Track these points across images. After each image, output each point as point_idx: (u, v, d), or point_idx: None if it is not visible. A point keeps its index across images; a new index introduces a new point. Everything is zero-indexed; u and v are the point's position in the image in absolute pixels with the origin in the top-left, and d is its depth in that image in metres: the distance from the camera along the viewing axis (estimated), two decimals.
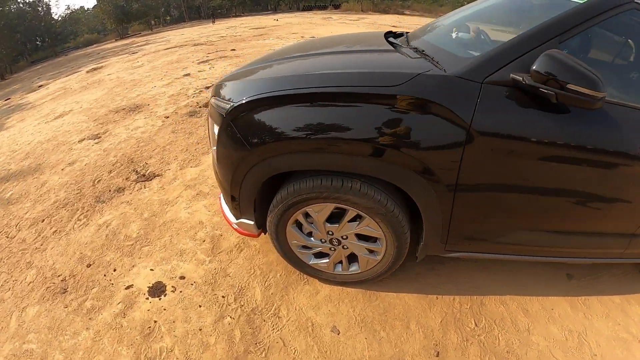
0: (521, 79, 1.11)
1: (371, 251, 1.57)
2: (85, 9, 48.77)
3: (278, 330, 1.58)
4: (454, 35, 1.71)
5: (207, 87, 5.26)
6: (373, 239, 1.53)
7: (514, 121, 1.17)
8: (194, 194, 2.58)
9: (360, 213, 1.41)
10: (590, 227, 1.46)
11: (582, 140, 1.20)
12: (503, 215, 1.40)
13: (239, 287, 1.79)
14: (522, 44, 1.19)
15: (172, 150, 3.32)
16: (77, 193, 2.81)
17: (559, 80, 1.05)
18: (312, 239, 1.58)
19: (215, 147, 1.51)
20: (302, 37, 10.06)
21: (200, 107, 4.42)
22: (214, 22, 23.13)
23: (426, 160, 1.21)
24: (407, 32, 2.10)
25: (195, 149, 3.28)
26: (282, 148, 1.29)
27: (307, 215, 1.49)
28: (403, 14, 23.63)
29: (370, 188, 1.33)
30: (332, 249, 1.59)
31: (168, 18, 41.39)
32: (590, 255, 1.57)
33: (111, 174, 3.02)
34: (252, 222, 1.59)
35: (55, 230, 2.40)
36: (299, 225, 1.56)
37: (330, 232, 1.51)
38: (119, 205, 2.56)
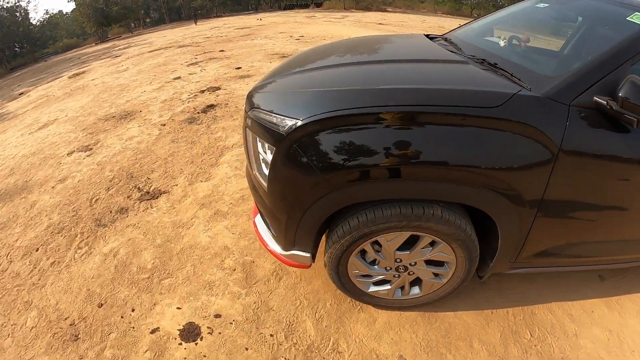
0: (605, 103, 1.11)
1: (436, 274, 1.50)
2: (64, 13, 47.52)
3: None
4: (502, 43, 1.68)
5: (202, 91, 4.93)
6: (441, 263, 1.47)
7: (597, 143, 1.19)
8: (211, 214, 2.36)
9: (436, 239, 1.34)
10: None
11: None
12: (576, 231, 1.40)
13: (288, 322, 1.64)
14: (601, 67, 1.18)
15: (175, 162, 3.03)
16: (73, 215, 2.47)
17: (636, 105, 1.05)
18: (375, 267, 1.48)
19: (264, 169, 1.35)
20: (290, 36, 9.95)
21: (198, 112, 4.11)
22: (196, 23, 23.32)
23: (515, 183, 1.18)
24: (443, 36, 2.04)
25: (202, 161, 3.03)
26: (363, 175, 1.17)
27: (374, 244, 1.39)
28: (385, 10, 23.93)
29: (450, 213, 1.26)
30: (397, 275, 1.50)
31: (148, 20, 41.46)
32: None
33: (110, 192, 2.70)
34: (307, 255, 1.45)
35: (54, 262, 2.09)
36: (361, 254, 1.45)
37: (398, 260, 1.42)
38: (124, 230, 2.28)
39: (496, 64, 1.42)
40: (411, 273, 1.49)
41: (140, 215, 2.41)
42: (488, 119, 1.13)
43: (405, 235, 1.33)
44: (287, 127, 1.21)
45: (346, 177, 1.17)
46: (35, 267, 2.06)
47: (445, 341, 1.57)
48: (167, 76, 6.16)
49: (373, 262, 1.47)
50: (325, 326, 1.62)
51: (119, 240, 2.20)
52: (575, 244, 1.45)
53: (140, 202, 2.55)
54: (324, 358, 1.50)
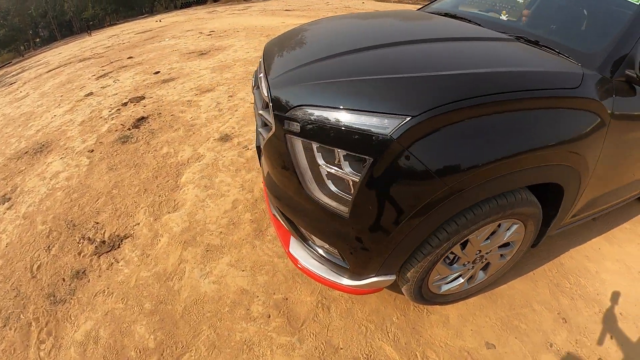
0: (636, 76, 1.23)
1: (501, 255, 1.48)
2: None
3: None
4: (504, 17, 1.69)
5: (124, 104, 3.90)
6: (507, 243, 1.44)
7: (632, 108, 1.33)
8: (202, 253, 1.87)
9: (515, 222, 1.29)
10: None
11: None
12: (604, 185, 1.52)
13: (365, 356, 1.41)
14: (626, 43, 1.28)
15: (124, 195, 2.31)
16: (16, 296, 1.68)
17: None
18: (455, 265, 1.37)
19: (333, 189, 1.07)
20: (200, 32, 8.86)
21: (129, 129, 3.22)
22: (90, 34, 21.17)
23: (583, 151, 1.22)
24: (438, 10, 1.95)
25: (158, 187, 2.38)
26: (488, 172, 1.01)
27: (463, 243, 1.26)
28: None
29: (529, 194, 1.23)
30: (472, 267, 1.42)
31: (38, 40, 39.07)
32: None
33: (52, 252, 1.91)
34: (392, 277, 1.25)
35: None
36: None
37: (478, 252, 1.34)
38: (93, 302, 1.63)
39: (538, 41, 1.41)
40: (484, 261, 1.43)
41: (105, 276, 1.76)
42: (573, 99, 1.14)
43: (494, 226, 1.24)
44: (393, 128, 0.94)
45: (471, 177, 0.99)
46: None
47: (513, 314, 1.59)
48: (76, 94, 4.86)
49: (452, 262, 1.36)
50: (405, 343, 1.45)
51: (93, 318, 1.56)
52: (598, 197, 1.60)
53: (99, 257, 1.86)
54: None
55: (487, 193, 1.07)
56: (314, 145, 1.05)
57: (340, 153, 1.01)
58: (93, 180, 2.53)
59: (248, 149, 2.80)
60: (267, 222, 2.04)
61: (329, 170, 1.06)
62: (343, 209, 1.06)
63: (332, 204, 1.08)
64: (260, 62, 1.74)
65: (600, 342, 1.51)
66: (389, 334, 1.49)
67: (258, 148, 1.54)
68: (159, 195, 2.30)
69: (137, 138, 3.07)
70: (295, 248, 1.40)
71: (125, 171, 2.58)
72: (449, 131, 0.96)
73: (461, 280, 1.46)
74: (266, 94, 1.24)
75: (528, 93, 1.05)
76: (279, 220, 1.46)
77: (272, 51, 1.60)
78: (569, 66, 1.24)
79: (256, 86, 1.62)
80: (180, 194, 2.30)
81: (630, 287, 1.74)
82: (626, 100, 1.27)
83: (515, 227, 1.32)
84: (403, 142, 0.94)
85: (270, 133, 1.19)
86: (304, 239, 1.32)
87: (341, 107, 1.02)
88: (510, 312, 1.59)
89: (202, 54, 6.10)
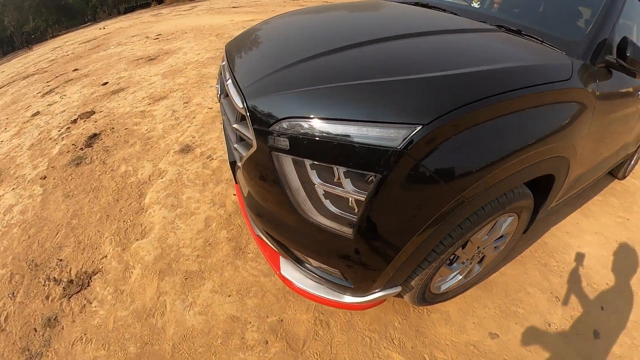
0: (615, 62, 1.27)
1: (496, 247, 1.47)
2: None
3: None
4: (476, 4, 1.63)
5: (74, 121, 3.47)
6: (502, 236, 1.43)
7: (611, 91, 1.38)
8: (181, 281, 1.70)
9: (511, 215, 1.27)
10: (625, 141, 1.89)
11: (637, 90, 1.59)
12: (586, 164, 1.55)
13: None
14: (604, 29, 1.30)
15: (85, 225, 2.04)
16: None
17: (638, 62, 1.23)
18: (454, 265, 1.33)
19: (332, 209, 0.96)
20: (146, 37, 8.14)
21: (81, 148, 2.86)
22: (31, 48, 19.88)
23: (574, 139, 1.22)
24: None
25: (121, 211, 2.13)
26: (490, 178, 0.95)
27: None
28: None
29: (525, 188, 1.21)
30: (470, 263, 1.39)
31: None
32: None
33: (17, 299, 1.65)
34: (398, 289, 1.18)
35: None
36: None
37: (477, 248, 1.31)
38: (72, 351, 1.43)
39: (520, 30, 1.37)
40: (481, 255, 1.41)
41: (80, 320, 1.54)
42: (566, 91, 1.12)
43: (493, 222, 1.21)
44: (403, 140, 0.83)
45: (482, 182, 0.93)
46: None
47: (510, 300, 1.61)
48: (22, 115, 4.27)
49: (451, 262, 1.32)
50: (412, 347, 1.41)
51: None
52: (580, 176, 1.63)
53: (69, 299, 1.62)
54: None
55: (494, 195, 1.03)
56: (307, 163, 0.93)
57: (340, 170, 0.90)
58: (50, 211, 2.23)
59: (212, 159, 2.60)
60: (246, 238, 1.91)
61: (327, 189, 0.94)
62: (346, 230, 0.96)
63: (333, 225, 0.97)
64: (222, 66, 1.55)
65: (593, 314, 1.57)
66: (394, 341, 1.44)
67: (232, 164, 1.39)
68: (124, 221, 2.06)
69: (91, 158, 2.75)
70: (288, 269, 1.28)
71: (83, 197, 2.29)
72: (460, 138, 0.88)
73: (459, 277, 1.44)
74: (241, 105, 1.08)
75: (530, 90, 1.01)
76: (264, 242, 1.34)
77: (237, 53, 1.43)
78: (557, 57, 1.23)
79: (223, 94, 1.45)
80: (146, 217, 2.09)
81: (612, 258, 1.83)
82: (605, 84, 1.30)
83: (510, 219, 1.31)
84: (415, 155, 0.84)
85: (251, 151, 1.04)
86: (298, 262, 1.21)
87: (338, 118, 0.90)
88: (507, 299, 1.61)
89: (151, 59, 5.66)
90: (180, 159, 2.63)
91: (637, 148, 2.29)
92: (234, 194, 2.21)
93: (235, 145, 1.21)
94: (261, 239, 1.33)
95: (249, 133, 1.06)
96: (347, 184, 0.90)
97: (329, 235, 0.98)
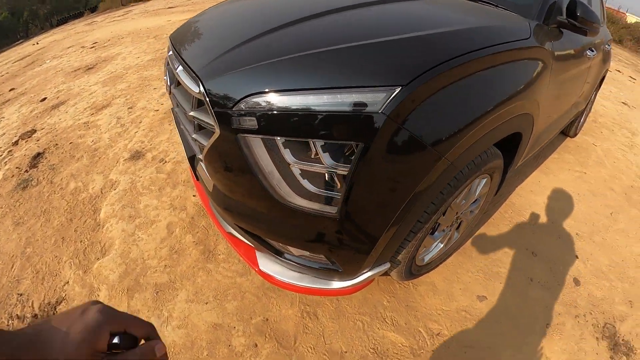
0: (567, 22, 1.33)
1: (471, 211, 1.47)
2: None
3: (447, 346, 1.32)
4: None
5: (15, 142, 3.03)
6: (476, 199, 1.44)
7: (562, 45, 1.44)
8: (152, 296, 1.54)
9: (484, 176, 1.27)
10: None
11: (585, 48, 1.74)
12: (546, 121, 1.60)
13: (372, 349, 1.31)
14: None
15: (40, 252, 1.78)
16: None
17: (587, 20, 1.30)
18: (436, 233, 1.31)
19: (310, 187, 0.88)
20: (82, 47, 7.43)
21: (26, 170, 2.50)
22: None
23: (537, 96, 1.25)
24: None
25: (76, 231, 1.89)
26: (470, 137, 0.93)
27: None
28: None
29: (495, 148, 1.21)
30: (449, 230, 1.39)
31: None
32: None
33: None
34: (387, 266, 1.14)
35: None
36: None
37: (456, 214, 1.29)
38: None
39: None
40: (459, 221, 1.40)
41: None
42: (528, 49, 1.15)
43: (469, 186, 1.20)
44: (383, 103, 0.77)
45: (462, 143, 0.91)
46: None
47: (490, 261, 1.65)
48: None
49: (434, 231, 1.30)
50: (405, 324, 1.39)
51: None
52: (541, 134, 1.69)
53: None
54: (434, 349, 1.31)
55: (472, 156, 1.01)
56: (279, 142, 0.84)
57: (316, 144, 0.82)
58: (1, 243, 1.94)
59: (165, 162, 2.44)
60: (215, 239, 1.78)
61: (303, 168, 0.85)
62: (329, 210, 0.88)
63: (314, 206, 0.89)
64: (169, 56, 1.40)
65: (569, 263, 1.64)
66: (387, 320, 1.40)
67: (191, 159, 1.26)
68: (81, 241, 1.84)
69: (37, 179, 2.43)
70: (267, 264, 1.19)
71: (35, 222, 2.02)
72: (438, 97, 0.84)
73: (441, 245, 1.43)
74: (197, 90, 0.95)
75: (497, 47, 1.02)
76: (237, 238, 1.23)
77: (183, 41, 1.29)
78: (515, 18, 1.27)
79: (174, 84, 1.31)
80: (104, 233, 1.88)
81: (577, 209, 1.93)
82: (558, 43, 1.37)
83: (483, 181, 1.31)
84: (396, 118, 0.79)
85: (214, 138, 0.93)
86: (277, 253, 1.12)
87: (310, 87, 0.82)
88: (487, 261, 1.64)
89: (89, 68, 5.23)
90: (131, 167, 2.43)
91: (586, 105, 2.44)
92: (194, 195, 2.07)
93: (194, 136, 1.08)
94: (232, 235, 1.22)
95: (209, 118, 0.94)
96: (326, 158, 0.83)
97: (311, 218, 0.90)
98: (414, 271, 1.36)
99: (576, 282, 1.60)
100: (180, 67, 1.13)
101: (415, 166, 0.86)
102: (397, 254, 1.13)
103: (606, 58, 2.44)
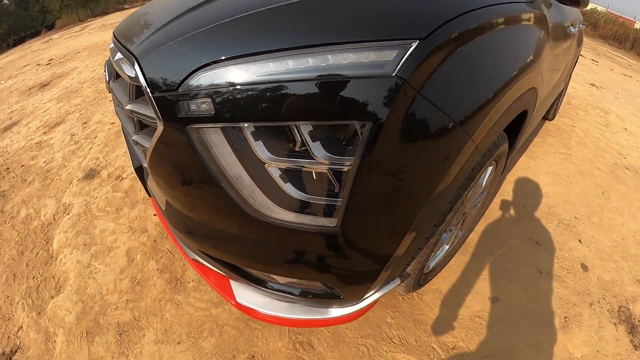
0: None
1: (475, 205, 1.31)
2: None
3: (472, 355, 1.16)
4: None
5: None
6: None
7: (553, 16, 1.32)
8: (115, 338, 1.24)
9: (491, 164, 1.11)
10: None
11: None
12: (550, 88, 1.50)
13: None
14: None
15: None
16: None
17: None
18: (445, 235, 1.14)
19: (293, 193, 0.64)
20: (38, 64, 6.88)
21: None
22: None
23: (542, 69, 1.12)
24: None
25: (29, 265, 1.58)
26: (495, 113, 0.74)
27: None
28: (124, 9, 20.00)
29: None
30: (456, 228, 1.22)
31: None
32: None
33: None
34: (397, 282, 0.94)
35: None
36: None
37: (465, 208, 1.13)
38: None
39: None
40: (465, 216, 1.23)
41: None
42: (532, 13, 1.03)
43: (479, 176, 1.02)
44: (397, 63, 0.55)
45: (487, 122, 0.72)
46: None
47: (495, 257, 1.51)
48: None
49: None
50: (415, 341, 1.20)
51: None
52: (535, 113, 1.56)
53: None
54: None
55: (492, 138, 0.81)
56: (247, 131, 0.59)
57: (302, 130, 0.57)
58: None
59: (122, 178, 2.15)
60: (181, 264, 1.52)
61: (284, 166, 0.61)
62: (326, 223, 0.64)
63: (303, 220, 0.65)
64: (111, 49, 1.14)
65: (574, 249, 1.53)
66: (394, 340, 1.21)
67: (139, 170, 1.00)
68: (33, 277, 1.52)
69: None
70: (245, 295, 0.94)
71: None
72: (460, 60, 0.63)
73: (446, 247, 1.26)
74: (133, 73, 0.70)
75: (512, 6, 0.87)
76: (204, 266, 0.99)
77: (123, 31, 1.02)
78: None
79: (112, 78, 1.04)
80: (57, 266, 1.56)
81: (570, 192, 1.84)
82: (551, 11, 1.26)
83: (490, 169, 1.15)
84: (415, 84, 0.56)
85: (157, 134, 0.67)
86: (258, 283, 0.88)
87: (287, 47, 0.57)
88: (492, 257, 1.49)
89: (44, 85, 4.85)
90: (85, 187, 2.11)
91: (565, 87, 2.39)
92: (155, 214, 1.78)
93: (135, 137, 0.82)
94: (199, 263, 0.97)
95: (149, 110, 0.69)
96: (317, 150, 0.58)
97: (300, 236, 0.66)
98: (421, 282, 1.17)
99: (584, 267, 1.49)
100: (119, 54, 0.87)
101: (440, 153, 0.63)
102: (407, 266, 0.93)
103: (581, 38, 2.41)
